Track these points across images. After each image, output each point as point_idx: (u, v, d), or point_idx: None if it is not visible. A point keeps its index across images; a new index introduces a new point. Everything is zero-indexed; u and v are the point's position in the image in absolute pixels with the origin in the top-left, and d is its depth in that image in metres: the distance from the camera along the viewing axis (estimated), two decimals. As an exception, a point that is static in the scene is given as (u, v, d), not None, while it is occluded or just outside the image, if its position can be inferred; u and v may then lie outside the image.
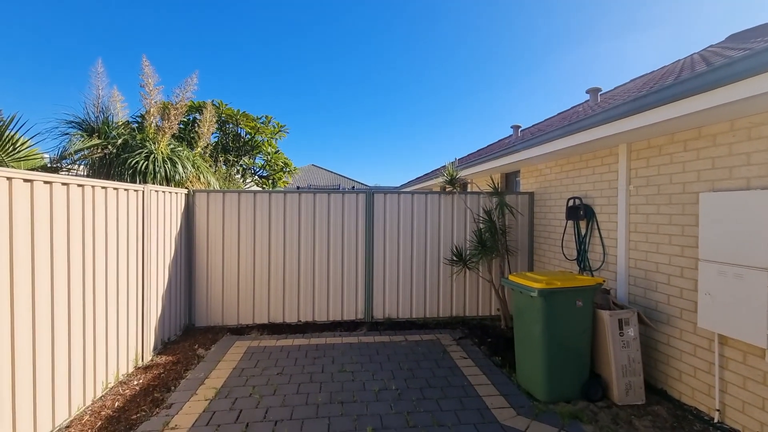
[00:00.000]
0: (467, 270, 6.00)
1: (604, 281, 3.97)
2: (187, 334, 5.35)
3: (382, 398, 3.66)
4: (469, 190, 9.28)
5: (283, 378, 4.07)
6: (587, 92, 7.65)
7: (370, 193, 6.01)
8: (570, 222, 5.25)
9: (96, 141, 5.09)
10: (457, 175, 6.32)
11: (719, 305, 3.08)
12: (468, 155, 13.38)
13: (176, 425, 3.18)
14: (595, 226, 4.80)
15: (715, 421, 3.22)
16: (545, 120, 11.13)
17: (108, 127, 5.59)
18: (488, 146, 12.80)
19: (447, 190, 6.35)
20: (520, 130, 10.53)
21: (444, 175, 6.41)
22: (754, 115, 2.97)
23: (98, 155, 5.17)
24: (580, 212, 4.95)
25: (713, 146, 3.33)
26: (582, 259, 4.98)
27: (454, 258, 5.91)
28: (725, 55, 3.56)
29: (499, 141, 12.45)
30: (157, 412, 3.38)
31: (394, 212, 6.03)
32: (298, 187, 19.05)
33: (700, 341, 3.40)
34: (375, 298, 5.97)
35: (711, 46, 6.13)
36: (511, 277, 4.07)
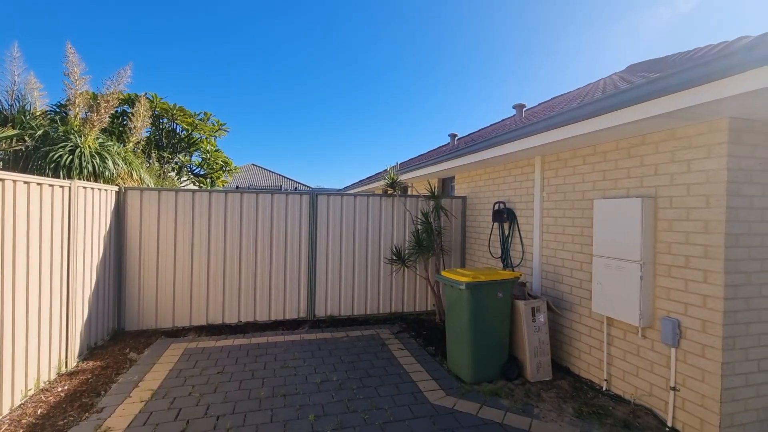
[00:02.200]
0: (406, 268, 6.38)
1: (521, 275, 4.55)
2: (116, 339, 5.09)
3: (324, 389, 3.85)
4: (409, 193, 9.76)
5: (224, 376, 4.09)
6: (513, 107, 8.51)
7: (314, 194, 6.17)
8: (496, 224, 5.86)
9: (11, 132, 4.66)
10: (397, 179, 6.69)
11: (607, 293, 3.73)
12: (409, 160, 13.96)
13: (109, 427, 3.11)
14: (516, 228, 5.43)
15: (604, 389, 3.88)
16: (479, 130, 12.05)
17: (24, 116, 5.14)
18: (428, 152, 13.45)
19: (388, 193, 6.69)
20: (456, 138, 11.28)
21: (385, 179, 6.75)
22: (631, 137, 3.66)
23: (14, 147, 4.74)
24: (504, 215, 5.56)
25: (604, 161, 4.01)
26: (505, 257, 5.59)
27: (394, 257, 6.26)
28: (616, 86, 4.30)
29: (437, 148, 13.17)
30: (87, 417, 3.26)
31: (337, 213, 6.23)
32: (237, 187, 18.39)
33: (593, 324, 4.07)
34: (317, 296, 6.13)
35: (614, 73, 7.20)
36: (443, 273, 4.49)
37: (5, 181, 3.23)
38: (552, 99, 9.49)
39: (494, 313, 4.14)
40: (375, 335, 5.57)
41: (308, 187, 32.04)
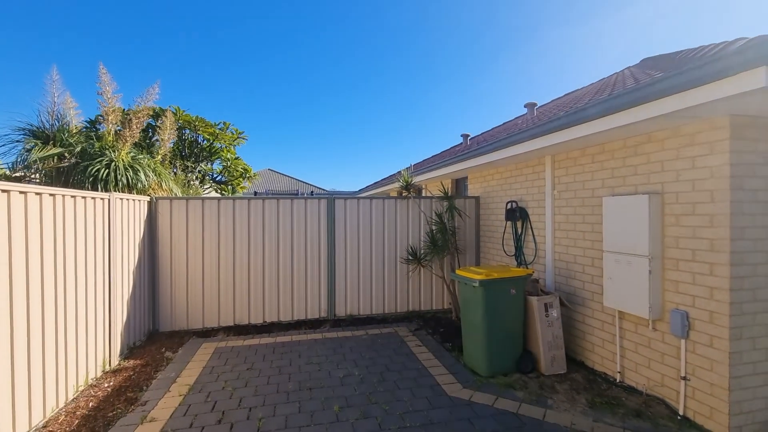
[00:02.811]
0: (422, 268, 6.57)
1: (533, 272, 4.69)
2: (151, 339, 5.45)
3: (346, 383, 4.09)
4: (423, 195, 9.92)
5: (253, 372, 4.38)
6: (525, 106, 8.59)
7: (332, 198, 6.42)
8: (509, 222, 5.99)
9: (55, 150, 5.07)
10: (411, 181, 6.89)
11: (618, 287, 3.84)
12: (423, 161, 14.14)
13: (154, 418, 3.42)
14: (529, 226, 5.56)
15: (617, 381, 3.99)
16: (491, 129, 12.12)
17: (64, 134, 5.56)
18: (441, 153, 13.60)
19: (403, 195, 6.89)
20: (469, 138, 11.39)
21: (400, 181, 6.96)
22: (637, 136, 3.76)
23: (57, 165, 5.15)
24: (517, 214, 5.69)
25: (612, 159, 4.12)
26: (518, 255, 5.72)
27: (410, 257, 6.46)
28: (625, 84, 4.40)
29: (450, 149, 13.30)
30: (133, 409, 3.58)
31: (353, 216, 6.47)
32: (255, 193, 18.93)
33: (606, 318, 4.18)
34: (337, 296, 6.38)
35: (627, 67, 7.19)
36: (458, 272, 4.66)
37: (56, 196, 3.58)
38: (565, 95, 9.49)
39: (508, 308, 4.30)
40: (393, 333, 5.78)
41: (324, 190, 32.55)
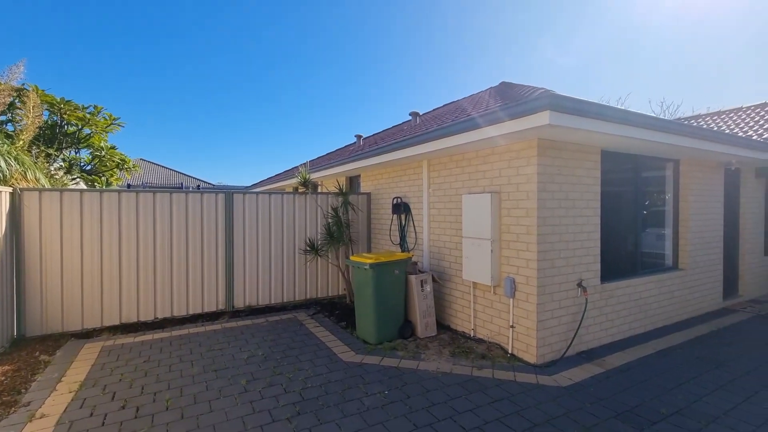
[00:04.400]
0: (319, 258, 7.14)
1: (412, 255, 5.69)
2: (18, 346, 4.91)
3: (251, 362, 4.46)
4: (320, 191, 10.46)
5: (152, 364, 4.42)
6: (410, 114, 9.78)
7: (230, 193, 6.54)
8: (395, 215, 6.96)
9: None
10: (309, 177, 7.39)
11: (472, 264, 5.02)
12: (318, 158, 14.61)
13: (44, 414, 3.33)
14: (410, 218, 6.59)
15: (472, 336, 5.20)
16: (382, 131, 13.23)
17: None
18: (336, 151, 14.26)
19: (300, 190, 7.34)
20: (362, 138, 12.29)
21: (297, 177, 7.40)
22: (485, 149, 4.97)
23: None
24: (401, 208, 6.68)
25: (469, 165, 5.30)
26: (402, 242, 6.73)
27: (308, 248, 6.97)
28: (491, 103, 5.64)
29: (345, 147, 14.06)
30: (15, 410, 3.40)
31: (252, 211, 6.70)
32: (128, 185, 16.94)
33: (464, 288, 5.37)
34: (236, 288, 6.54)
35: (489, 87, 8.75)
36: (351, 258, 5.39)
37: None
38: (444, 105, 10.98)
39: (392, 286, 5.18)
40: (293, 318, 6.25)
41: (210, 184, 30.41)
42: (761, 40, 35.58)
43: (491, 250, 4.71)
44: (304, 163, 12.65)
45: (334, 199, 7.42)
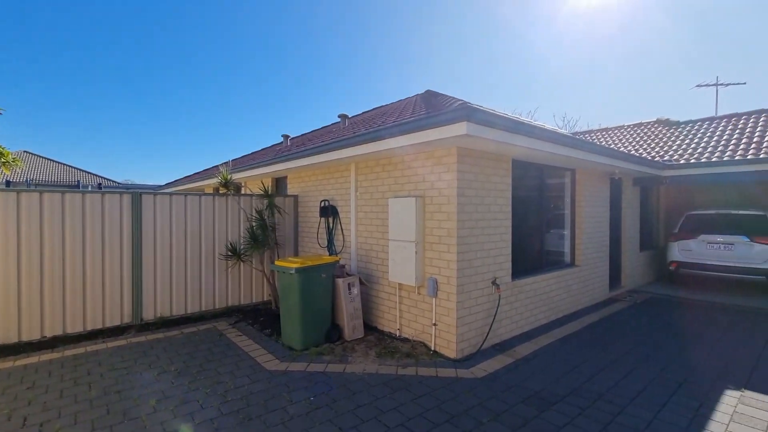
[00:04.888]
0: (242, 263, 6.79)
1: (340, 259, 5.69)
2: None
3: (162, 379, 4.09)
4: (243, 192, 9.96)
5: (38, 390, 3.82)
6: (339, 117, 9.77)
7: (137, 194, 5.92)
8: (323, 218, 6.89)
9: None
10: (231, 178, 6.99)
11: (397, 266, 5.17)
12: (242, 158, 13.90)
13: None
14: (338, 221, 6.59)
15: (398, 336, 5.36)
16: (310, 132, 13.03)
17: None
18: (261, 150, 13.70)
19: (221, 191, 6.91)
20: (289, 138, 11.96)
21: (218, 178, 6.96)
22: (410, 154, 5.17)
23: None
24: (329, 211, 6.64)
25: (396, 170, 5.46)
26: (330, 246, 6.69)
27: (230, 253, 6.59)
28: (419, 109, 5.84)
29: (272, 146, 13.57)
30: None
31: (165, 213, 6.14)
32: (8, 183, 14.43)
33: (391, 290, 5.52)
34: (145, 299, 5.94)
35: (417, 94, 9.05)
36: (277, 263, 5.22)
37: None
38: (374, 109, 11.14)
39: (319, 290, 5.13)
40: (212, 328, 5.86)
41: (115, 182, 27.24)
42: (638, 62, 42.00)
43: (416, 252, 4.91)
44: (226, 163, 11.94)
45: (258, 201, 7.12)
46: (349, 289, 5.37)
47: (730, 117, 11.03)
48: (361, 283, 5.66)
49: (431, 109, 5.17)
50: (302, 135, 12.95)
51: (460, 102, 4.56)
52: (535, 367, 4.45)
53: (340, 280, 5.32)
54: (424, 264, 4.99)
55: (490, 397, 3.72)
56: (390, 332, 5.53)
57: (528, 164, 5.87)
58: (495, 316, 5.04)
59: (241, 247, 6.72)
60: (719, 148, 8.87)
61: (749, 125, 9.84)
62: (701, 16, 41.35)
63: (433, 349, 4.84)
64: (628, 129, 13.47)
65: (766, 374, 4.25)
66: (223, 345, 5.11)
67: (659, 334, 5.66)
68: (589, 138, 13.33)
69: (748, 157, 7.83)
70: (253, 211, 6.97)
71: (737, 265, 7.95)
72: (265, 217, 6.76)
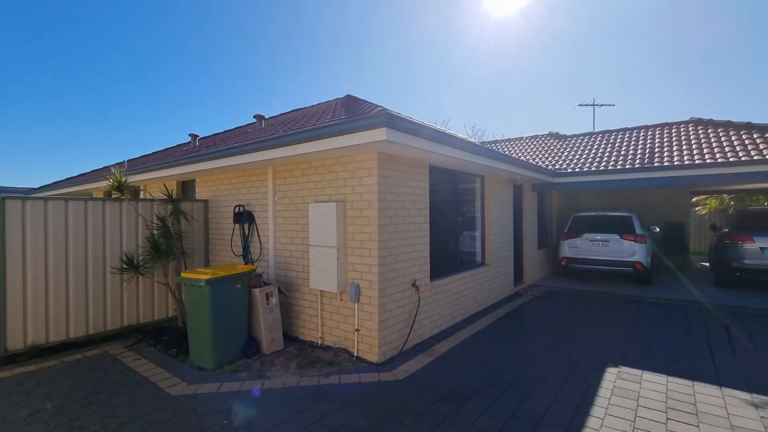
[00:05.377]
0: (140, 277, 6.01)
1: (257, 268, 5.37)
2: None
3: (35, 420, 3.40)
4: (142, 197, 8.92)
5: None
6: (254, 117, 9.28)
7: (0, 198, 4.90)
8: (237, 225, 6.45)
9: None
10: (126, 181, 6.15)
11: (319, 272, 5.04)
12: (140, 158, 12.43)
13: None
14: (255, 228, 6.22)
15: (320, 344, 5.21)
16: (222, 132, 12.15)
17: None
18: (164, 150, 12.42)
19: (114, 195, 6.05)
20: (198, 138, 11.00)
21: (110, 180, 6.07)
22: (331, 158, 5.09)
23: None
24: (244, 217, 6.23)
25: (316, 174, 5.34)
26: (246, 254, 6.28)
27: (125, 266, 5.79)
28: (338, 113, 5.74)
29: (176, 146, 12.35)
30: None
31: (39, 221, 5.17)
32: None
33: (312, 297, 5.36)
34: (10, 324, 4.91)
35: (337, 98, 8.98)
36: (183, 274, 4.72)
37: None
38: (292, 111, 10.79)
39: (233, 302, 4.77)
40: (103, 353, 5.09)
41: (-30, 183, 22.39)
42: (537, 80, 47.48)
43: (337, 258, 4.83)
44: (120, 163, 10.56)
45: (160, 206, 6.39)
46: (267, 299, 5.09)
47: (603, 133, 12.99)
48: (280, 292, 5.40)
49: (351, 113, 5.16)
50: (213, 135, 12.02)
51: (380, 108, 4.63)
52: (453, 363, 4.67)
53: (257, 290, 5.01)
54: (346, 269, 4.94)
55: (411, 397, 3.80)
56: (312, 341, 5.36)
57: (444, 170, 6.19)
58: (415, 317, 5.20)
59: (140, 258, 5.96)
60: (597, 159, 10.36)
61: (618, 140, 11.69)
62: (576, 45, 48.31)
63: (356, 355, 4.80)
64: (526, 140, 15.08)
65: (636, 352, 5.04)
66: (116, 372, 4.46)
67: (555, 323, 6.38)
68: (496, 147, 14.59)
69: (618, 167, 9.27)
70: (155, 217, 6.23)
71: (612, 258, 9.34)
72: (169, 225, 6.09)
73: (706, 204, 16.46)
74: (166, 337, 5.61)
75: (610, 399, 3.74)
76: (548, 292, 8.92)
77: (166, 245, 5.98)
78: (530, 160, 11.86)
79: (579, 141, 12.81)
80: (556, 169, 10.19)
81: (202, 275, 4.52)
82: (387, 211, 4.77)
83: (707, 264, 12.48)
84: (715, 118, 10.64)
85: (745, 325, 6.13)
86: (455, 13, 48.05)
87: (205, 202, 7.13)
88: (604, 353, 4.96)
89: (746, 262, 8.27)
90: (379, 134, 3.81)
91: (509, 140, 15.97)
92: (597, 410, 3.53)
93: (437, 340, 5.49)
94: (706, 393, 3.85)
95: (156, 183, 8.20)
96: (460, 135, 5.25)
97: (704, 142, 9.33)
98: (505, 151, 13.54)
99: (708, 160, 8.09)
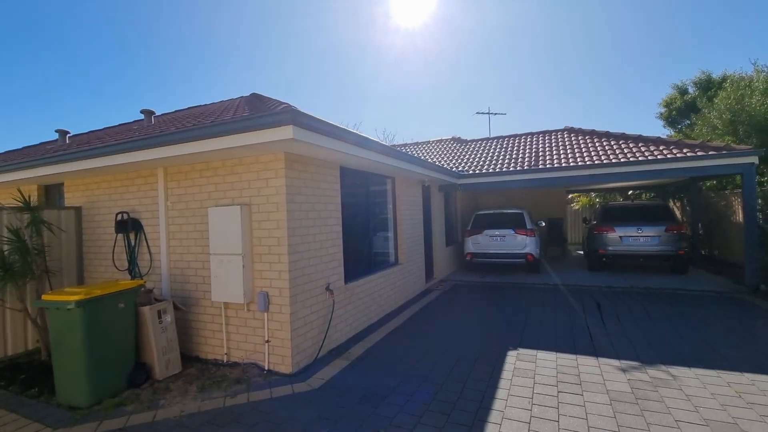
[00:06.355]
0: (-15, 304, 4.82)
1: (145, 282, 4.69)
2: None
3: None
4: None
5: None
6: (142, 112, 8.17)
7: None
8: (120, 235, 5.57)
9: None
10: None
11: (221, 283, 4.59)
12: (-14, 157, 10.10)
13: None
14: (143, 237, 5.44)
15: (225, 362, 4.75)
16: (102, 129, 10.51)
17: None
18: (20, 150, 10.31)
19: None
20: (68, 136, 9.33)
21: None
22: (233, 158, 4.69)
23: None
24: (129, 226, 5.42)
25: (216, 176, 4.86)
26: (132, 268, 5.46)
27: (-40, 292, 4.59)
28: (241, 111, 5.27)
29: (39, 145, 10.31)
30: None
31: None
32: None
33: (214, 311, 4.86)
34: None
35: (241, 96, 8.33)
36: (44, 297, 3.90)
37: None
38: (189, 108, 9.75)
39: (116, 325, 4.08)
40: (-74, 407, 3.93)
41: None
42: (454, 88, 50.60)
43: (243, 266, 4.46)
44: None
45: (13, 216, 5.22)
46: (160, 317, 4.47)
47: (498, 138, 14.36)
48: (176, 308, 4.79)
49: (256, 111, 4.81)
50: (89, 132, 10.32)
51: (286, 105, 4.38)
52: (369, 365, 4.64)
53: (146, 308, 4.36)
54: (253, 277, 4.58)
55: (328, 405, 3.65)
56: (216, 359, 4.86)
57: (355, 171, 6.16)
58: (330, 321, 5.05)
59: (-17, 281, 4.77)
60: (493, 162, 11.38)
61: (509, 145, 13.02)
62: (475, 57, 53.04)
63: (267, 368, 4.47)
64: (433, 144, 15.95)
65: (531, 334, 5.59)
66: (-54, 429, 3.48)
67: (464, 314, 6.79)
68: (406, 150, 15.12)
69: (510, 169, 10.30)
70: (5, 229, 5.06)
71: (508, 251, 10.33)
72: (25, 238, 5.00)
73: (578, 201, 19.26)
74: (23, 376, 4.58)
75: (511, 380, 4.06)
76: (456, 285, 9.49)
77: (22, 263, 4.90)
78: (437, 163, 12.55)
79: (478, 145, 13.94)
80: (460, 171, 10.92)
81: (71, 296, 3.76)
82: (297, 214, 4.55)
83: (582, 252, 14.58)
84: (583, 127, 12.49)
85: (612, 302, 7.25)
86: (366, 23, 49.03)
87: (78, 209, 6.04)
88: (505, 337, 5.41)
89: (610, 249, 9.83)
90: (285, 132, 3.60)
91: (417, 144, 16.71)
92: (501, 392, 3.80)
93: (354, 341, 5.42)
94: (587, 364, 4.42)
95: (8, 188, 6.72)
96: (372, 137, 5.26)
97: (576, 148, 10.88)
98: (414, 154, 14.12)
99: (579, 163, 9.43)
